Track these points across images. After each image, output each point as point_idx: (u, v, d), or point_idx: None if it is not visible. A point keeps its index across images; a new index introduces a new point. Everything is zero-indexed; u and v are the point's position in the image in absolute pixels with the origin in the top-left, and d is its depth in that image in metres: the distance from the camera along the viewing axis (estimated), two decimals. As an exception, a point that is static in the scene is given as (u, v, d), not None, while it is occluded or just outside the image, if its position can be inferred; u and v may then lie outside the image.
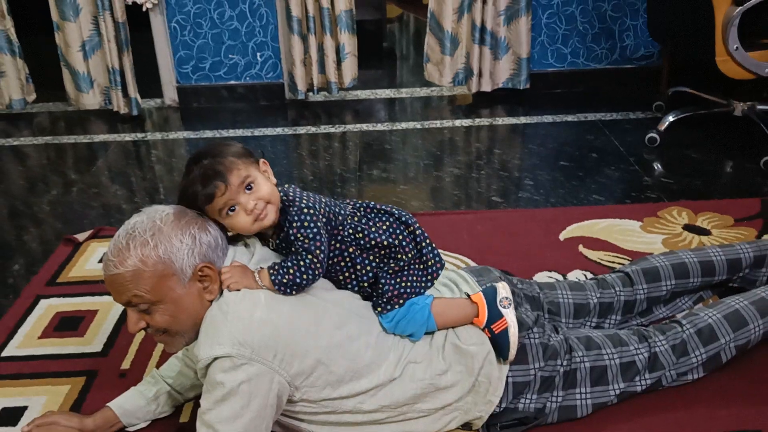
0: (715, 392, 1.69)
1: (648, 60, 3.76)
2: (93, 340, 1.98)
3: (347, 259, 1.56)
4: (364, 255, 1.56)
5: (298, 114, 3.70)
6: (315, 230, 1.46)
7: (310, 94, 3.75)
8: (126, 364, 1.88)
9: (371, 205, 1.60)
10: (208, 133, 3.44)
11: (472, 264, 2.23)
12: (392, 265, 1.57)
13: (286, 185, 1.56)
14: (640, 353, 1.66)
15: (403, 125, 3.53)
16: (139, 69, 3.66)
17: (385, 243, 1.55)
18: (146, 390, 1.68)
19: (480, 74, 3.63)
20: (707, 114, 3.17)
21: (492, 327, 1.56)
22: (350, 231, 1.54)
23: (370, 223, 1.56)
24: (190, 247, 1.42)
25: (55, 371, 1.87)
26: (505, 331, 1.55)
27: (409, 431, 1.59)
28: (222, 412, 1.38)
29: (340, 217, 1.54)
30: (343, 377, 1.49)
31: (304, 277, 1.46)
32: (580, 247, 2.31)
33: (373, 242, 1.54)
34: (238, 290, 1.44)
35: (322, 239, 1.47)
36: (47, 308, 2.13)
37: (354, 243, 1.54)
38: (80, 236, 2.49)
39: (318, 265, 1.46)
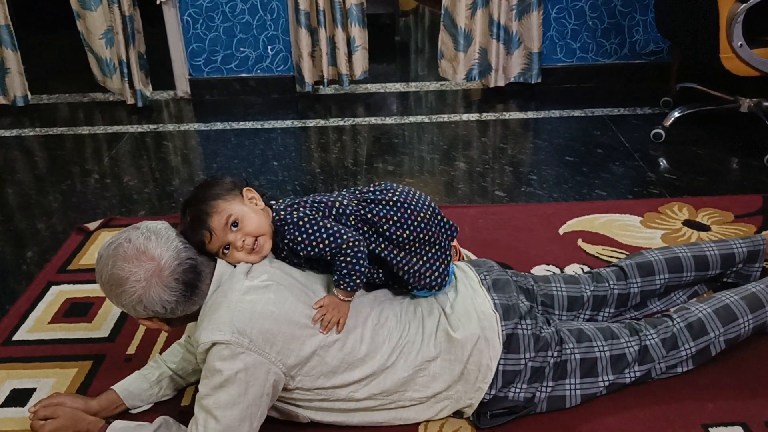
0: (702, 385, 1.71)
1: (657, 56, 3.77)
2: (101, 326, 2.05)
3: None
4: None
5: (309, 107, 3.75)
6: (329, 231, 1.50)
7: (321, 86, 3.79)
8: (131, 349, 1.94)
9: (372, 197, 1.61)
10: (219, 125, 3.50)
11: (473, 258, 2.27)
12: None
13: (280, 201, 1.59)
14: (631, 346, 1.70)
15: (412, 119, 3.57)
16: (153, 61, 3.73)
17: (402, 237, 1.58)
18: (149, 374, 1.74)
19: (496, 69, 3.66)
20: (713, 110, 3.17)
21: None
22: (357, 226, 1.57)
23: (379, 217, 1.58)
24: (132, 306, 1.49)
25: (63, 355, 1.94)
26: None
27: (401, 418, 1.63)
28: (219, 398, 1.43)
29: (341, 209, 1.56)
30: (337, 368, 1.54)
31: (357, 266, 1.50)
32: (579, 242, 2.34)
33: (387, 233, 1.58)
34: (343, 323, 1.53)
35: (338, 229, 1.50)
36: (58, 294, 2.20)
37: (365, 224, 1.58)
38: (91, 225, 2.56)
39: (357, 244, 1.50)
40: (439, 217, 1.64)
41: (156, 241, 1.47)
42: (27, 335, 2.03)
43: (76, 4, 3.61)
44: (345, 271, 1.51)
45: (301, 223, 1.51)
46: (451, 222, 1.67)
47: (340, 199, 1.59)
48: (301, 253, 1.53)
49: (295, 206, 1.56)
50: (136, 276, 1.45)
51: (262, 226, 1.52)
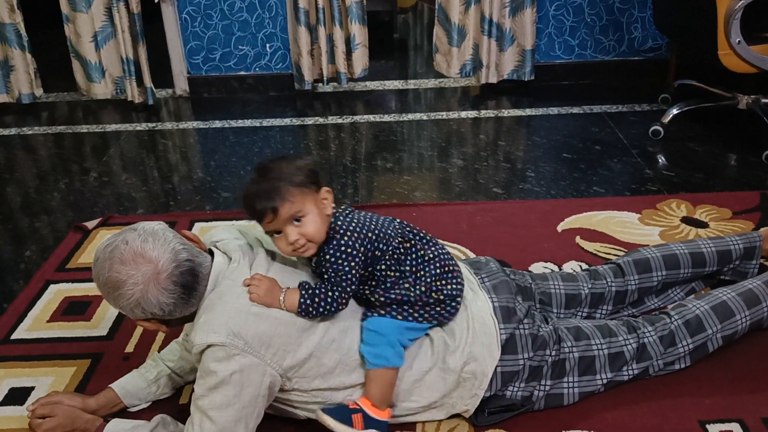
0: (699, 382, 1.72)
1: (656, 52, 3.77)
2: (99, 325, 2.05)
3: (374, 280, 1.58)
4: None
5: (307, 104, 3.75)
6: (347, 269, 1.48)
7: (320, 84, 3.80)
8: (130, 348, 1.94)
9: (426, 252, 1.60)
10: (218, 123, 3.50)
11: (471, 255, 2.27)
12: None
13: (343, 208, 1.57)
14: (629, 344, 1.70)
15: (411, 116, 3.57)
16: (151, 60, 3.72)
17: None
18: (147, 372, 1.74)
19: (487, 66, 3.66)
20: (712, 107, 3.17)
21: (357, 413, 1.54)
22: (383, 267, 1.55)
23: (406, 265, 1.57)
24: (130, 308, 1.47)
25: (62, 353, 1.94)
26: (349, 419, 1.53)
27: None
28: (214, 399, 1.43)
29: (378, 253, 1.53)
30: (334, 369, 1.53)
31: (329, 308, 1.49)
32: (577, 239, 2.34)
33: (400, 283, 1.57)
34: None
35: (353, 278, 1.49)
36: (56, 293, 2.21)
37: (382, 279, 1.56)
38: (90, 224, 2.56)
39: (344, 300, 1.50)
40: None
41: (153, 243, 1.45)
42: (25, 334, 2.03)
43: (66, 6, 3.59)
44: (318, 299, 1.49)
45: (344, 249, 1.49)
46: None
47: (389, 235, 1.57)
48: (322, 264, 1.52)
49: (351, 227, 1.52)
50: (133, 279, 1.43)
51: (320, 234, 1.48)
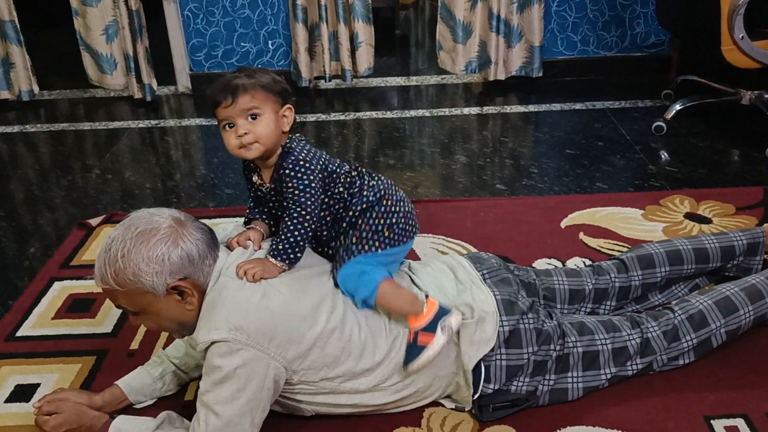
0: (703, 377, 1.72)
1: (658, 48, 3.76)
2: (104, 321, 2.05)
3: (333, 215, 1.63)
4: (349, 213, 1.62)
5: (309, 101, 3.75)
6: (306, 182, 1.53)
7: (322, 81, 3.79)
8: (134, 345, 1.95)
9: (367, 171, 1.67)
10: (221, 120, 3.50)
11: (473, 250, 2.27)
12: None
13: (298, 135, 1.61)
14: (633, 339, 1.70)
15: (413, 113, 3.57)
16: (154, 56, 3.73)
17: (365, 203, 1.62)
18: (153, 369, 1.74)
19: (495, 63, 3.66)
20: (714, 103, 3.17)
21: (419, 335, 1.57)
22: (341, 189, 1.61)
23: (363, 185, 1.63)
24: (157, 270, 1.45)
25: (67, 350, 1.94)
26: (424, 348, 1.56)
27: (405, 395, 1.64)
28: (220, 394, 1.44)
29: (334, 175, 1.61)
30: (339, 357, 1.54)
31: (297, 234, 1.53)
32: (581, 235, 2.34)
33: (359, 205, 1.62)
34: (259, 281, 1.49)
35: (313, 192, 1.54)
36: (60, 290, 2.21)
37: (341, 201, 1.62)
38: (93, 221, 2.56)
39: (308, 217, 1.54)
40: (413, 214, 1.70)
41: (159, 213, 1.52)
42: (30, 331, 2.04)
43: (75, 1, 3.61)
44: (283, 234, 1.53)
45: (302, 162, 1.54)
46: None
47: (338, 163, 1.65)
48: (282, 187, 1.56)
49: (307, 148, 1.58)
50: (166, 223, 1.49)
51: (269, 138, 1.54)
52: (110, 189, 2.90)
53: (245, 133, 1.51)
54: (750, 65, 2.75)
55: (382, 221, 1.61)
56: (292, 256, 1.53)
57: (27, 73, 3.74)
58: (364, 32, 3.64)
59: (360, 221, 1.61)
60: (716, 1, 2.66)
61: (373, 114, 3.56)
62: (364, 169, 1.67)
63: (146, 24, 3.67)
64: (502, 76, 3.69)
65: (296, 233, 1.53)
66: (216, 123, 1.57)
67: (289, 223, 1.54)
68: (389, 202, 1.63)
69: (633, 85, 3.68)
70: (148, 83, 3.70)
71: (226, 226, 1.75)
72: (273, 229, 1.67)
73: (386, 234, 1.61)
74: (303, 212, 1.54)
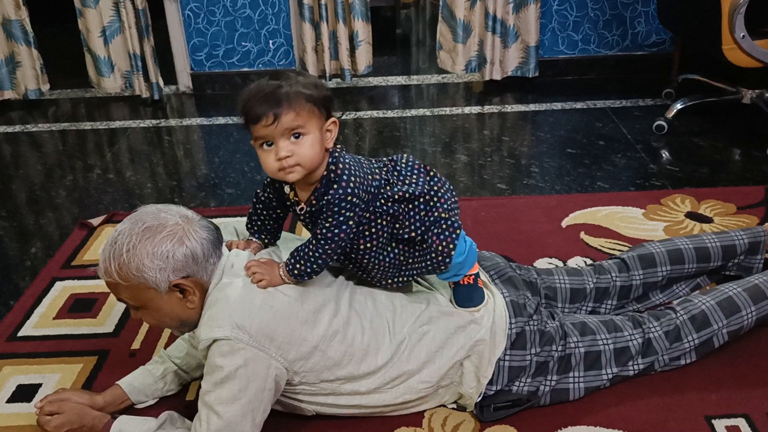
0: (704, 377, 1.72)
1: (659, 47, 3.76)
2: (105, 321, 2.06)
3: (380, 224, 1.51)
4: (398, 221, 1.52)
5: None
6: (347, 216, 1.42)
7: (322, 81, 3.79)
8: (136, 345, 1.95)
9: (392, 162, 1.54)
10: (221, 120, 3.50)
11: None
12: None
13: (341, 148, 1.46)
14: (634, 339, 1.70)
15: (414, 112, 3.57)
16: (156, 56, 3.73)
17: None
18: (154, 369, 1.74)
19: (492, 63, 3.66)
20: (716, 102, 3.17)
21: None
22: (381, 201, 1.48)
23: (399, 183, 1.50)
24: (161, 267, 1.44)
25: (68, 350, 1.95)
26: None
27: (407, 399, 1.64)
28: (221, 394, 1.44)
29: (375, 190, 1.47)
30: (340, 361, 1.54)
31: (318, 265, 1.47)
32: (582, 234, 2.34)
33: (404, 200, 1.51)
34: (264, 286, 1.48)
35: (350, 229, 1.44)
36: (62, 290, 2.21)
37: (386, 213, 1.50)
38: (95, 221, 2.57)
39: (333, 252, 1.46)
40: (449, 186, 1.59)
41: (166, 210, 1.51)
42: (32, 331, 2.04)
43: (77, 1, 3.61)
44: (302, 259, 1.46)
45: (349, 198, 1.41)
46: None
47: (377, 171, 1.51)
48: (319, 215, 1.45)
49: (355, 173, 1.43)
50: (173, 219, 1.48)
51: (313, 161, 1.39)
52: (111, 189, 2.91)
53: (287, 156, 1.37)
54: (751, 64, 2.75)
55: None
56: (305, 276, 1.50)
57: (35, 72, 3.74)
58: (364, 31, 3.64)
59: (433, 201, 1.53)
60: (717, 1, 2.66)
61: (374, 113, 3.56)
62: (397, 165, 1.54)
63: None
64: (498, 77, 3.69)
65: (315, 265, 1.47)
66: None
67: (311, 253, 1.45)
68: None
69: (634, 84, 3.68)
70: (156, 82, 3.71)
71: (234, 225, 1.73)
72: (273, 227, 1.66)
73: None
74: (328, 249, 1.45)
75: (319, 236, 1.45)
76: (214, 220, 1.56)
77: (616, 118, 3.32)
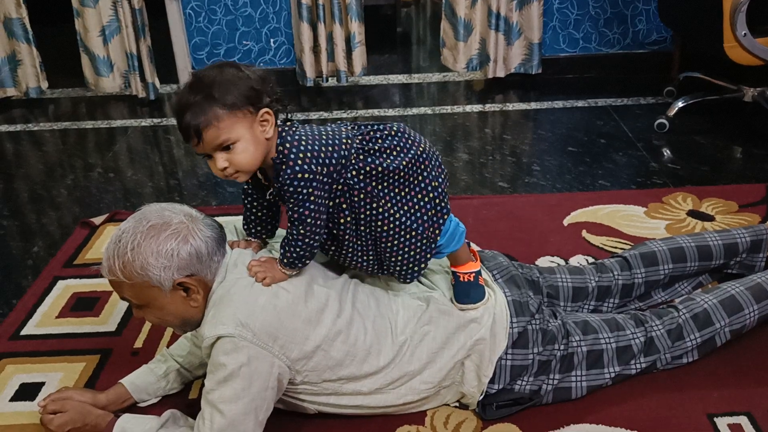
0: (706, 375, 1.72)
1: (660, 45, 3.76)
2: (107, 320, 2.06)
3: (353, 201, 1.48)
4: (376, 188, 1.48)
5: (311, 99, 3.75)
6: (303, 197, 1.40)
7: (320, 81, 3.79)
8: (138, 343, 1.95)
9: (373, 131, 1.49)
10: (223, 119, 3.50)
11: (477, 248, 2.27)
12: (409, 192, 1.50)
13: (290, 125, 1.44)
14: (636, 337, 1.70)
15: (415, 110, 3.57)
16: (156, 55, 3.73)
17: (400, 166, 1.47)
18: (157, 367, 1.75)
19: (495, 60, 3.65)
20: (717, 99, 3.17)
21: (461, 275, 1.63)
22: (353, 173, 1.46)
23: (377, 155, 1.47)
24: (165, 265, 1.45)
25: (71, 349, 1.95)
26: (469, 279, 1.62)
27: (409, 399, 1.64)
28: (224, 392, 1.44)
29: (343, 160, 1.44)
30: (342, 361, 1.54)
31: (302, 248, 1.47)
32: (584, 233, 2.34)
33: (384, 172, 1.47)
34: (269, 284, 1.49)
35: (315, 206, 1.42)
36: (64, 289, 2.21)
37: (360, 183, 1.46)
38: (96, 220, 2.57)
39: (311, 231, 1.45)
40: (437, 155, 1.57)
41: (170, 209, 1.51)
42: (35, 330, 2.04)
43: (76, 1, 3.61)
44: (288, 247, 1.47)
45: (300, 176, 1.39)
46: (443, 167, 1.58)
47: (345, 140, 1.46)
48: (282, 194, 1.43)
49: (303, 150, 1.40)
50: (177, 218, 1.48)
51: (252, 163, 1.39)
52: (113, 188, 2.91)
53: (225, 166, 1.39)
54: (753, 62, 2.75)
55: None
56: (299, 264, 1.51)
57: (35, 71, 3.74)
58: (360, 32, 3.63)
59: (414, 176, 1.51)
60: (719, -2, 2.66)
61: (375, 111, 3.56)
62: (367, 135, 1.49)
63: (148, 23, 3.67)
64: (501, 74, 3.69)
65: (298, 248, 1.47)
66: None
67: (291, 238, 1.47)
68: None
69: (635, 82, 3.68)
70: (152, 82, 3.70)
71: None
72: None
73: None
74: (302, 230, 1.44)
75: (290, 220, 1.46)
76: (217, 219, 1.56)
77: (618, 117, 3.32)
